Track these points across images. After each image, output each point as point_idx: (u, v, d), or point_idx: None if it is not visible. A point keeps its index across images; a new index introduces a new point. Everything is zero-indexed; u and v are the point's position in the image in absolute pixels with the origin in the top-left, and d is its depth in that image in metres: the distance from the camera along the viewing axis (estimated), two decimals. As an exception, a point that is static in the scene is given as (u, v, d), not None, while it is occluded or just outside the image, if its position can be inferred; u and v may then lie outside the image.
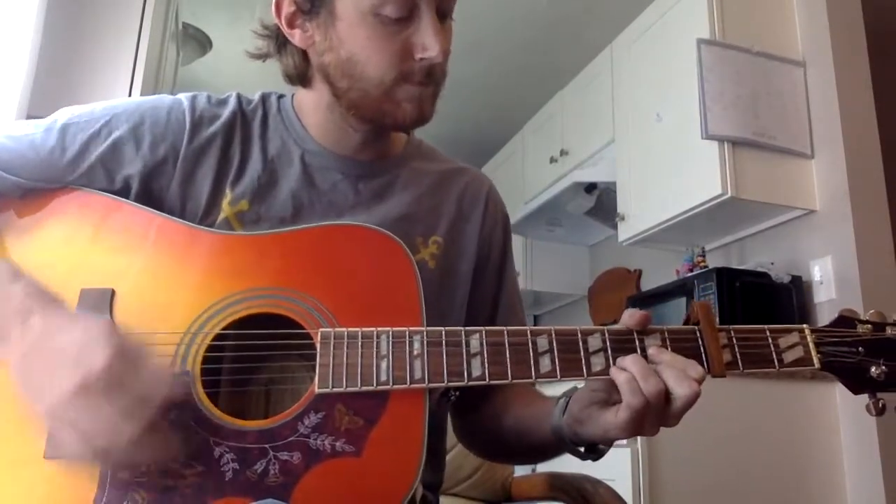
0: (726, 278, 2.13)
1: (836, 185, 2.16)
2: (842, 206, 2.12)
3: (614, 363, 0.69)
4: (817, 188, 2.23)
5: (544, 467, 1.85)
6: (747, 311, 2.11)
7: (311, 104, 0.89)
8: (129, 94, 1.95)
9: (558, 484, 1.40)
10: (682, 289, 2.28)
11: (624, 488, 1.72)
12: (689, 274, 2.38)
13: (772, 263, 2.25)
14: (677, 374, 0.66)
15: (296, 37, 0.84)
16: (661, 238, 2.60)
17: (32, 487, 0.64)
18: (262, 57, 0.90)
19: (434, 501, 0.91)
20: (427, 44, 0.77)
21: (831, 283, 2.11)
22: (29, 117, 1.77)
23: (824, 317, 2.13)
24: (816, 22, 2.32)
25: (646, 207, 2.53)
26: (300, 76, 0.88)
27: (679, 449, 1.82)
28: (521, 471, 1.64)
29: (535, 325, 3.50)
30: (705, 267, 2.41)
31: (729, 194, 2.13)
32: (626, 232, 2.65)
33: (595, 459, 0.77)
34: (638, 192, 2.59)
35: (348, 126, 0.87)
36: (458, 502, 1.57)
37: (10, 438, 0.66)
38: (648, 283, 2.97)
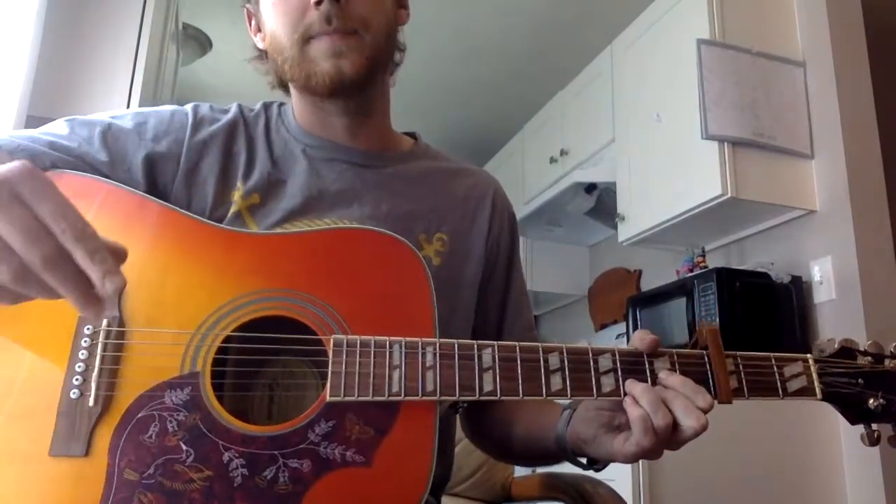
0: (726, 278, 2.12)
1: (836, 185, 2.16)
2: (842, 207, 2.12)
3: (624, 385, 0.69)
4: (817, 188, 2.23)
5: (545, 467, 1.85)
6: (747, 311, 2.11)
7: (293, 101, 0.92)
8: (129, 94, 1.95)
9: (558, 484, 1.40)
10: (682, 289, 2.28)
11: (624, 488, 1.72)
12: (689, 274, 2.38)
13: (772, 264, 2.24)
14: (686, 406, 0.66)
15: (260, 42, 0.89)
16: (661, 238, 2.59)
17: (37, 485, 0.63)
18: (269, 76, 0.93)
19: (435, 503, 0.91)
20: None
21: (831, 284, 2.11)
22: (29, 117, 1.76)
23: (824, 317, 2.14)
24: (816, 22, 2.32)
25: (646, 207, 2.53)
26: (279, 81, 0.91)
27: (679, 449, 1.83)
28: (521, 471, 1.64)
29: (535, 325, 3.50)
30: (705, 267, 2.41)
31: (729, 194, 2.13)
32: (626, 232, 2.65)
33: (598, 470, 0.78)
34: (638, 192, 2.59)
35: (322, 111, 0.88)
36: (458, 502, 1.58)
37: (16, 434, 0.64)
38: (648, 284, 2.97)
